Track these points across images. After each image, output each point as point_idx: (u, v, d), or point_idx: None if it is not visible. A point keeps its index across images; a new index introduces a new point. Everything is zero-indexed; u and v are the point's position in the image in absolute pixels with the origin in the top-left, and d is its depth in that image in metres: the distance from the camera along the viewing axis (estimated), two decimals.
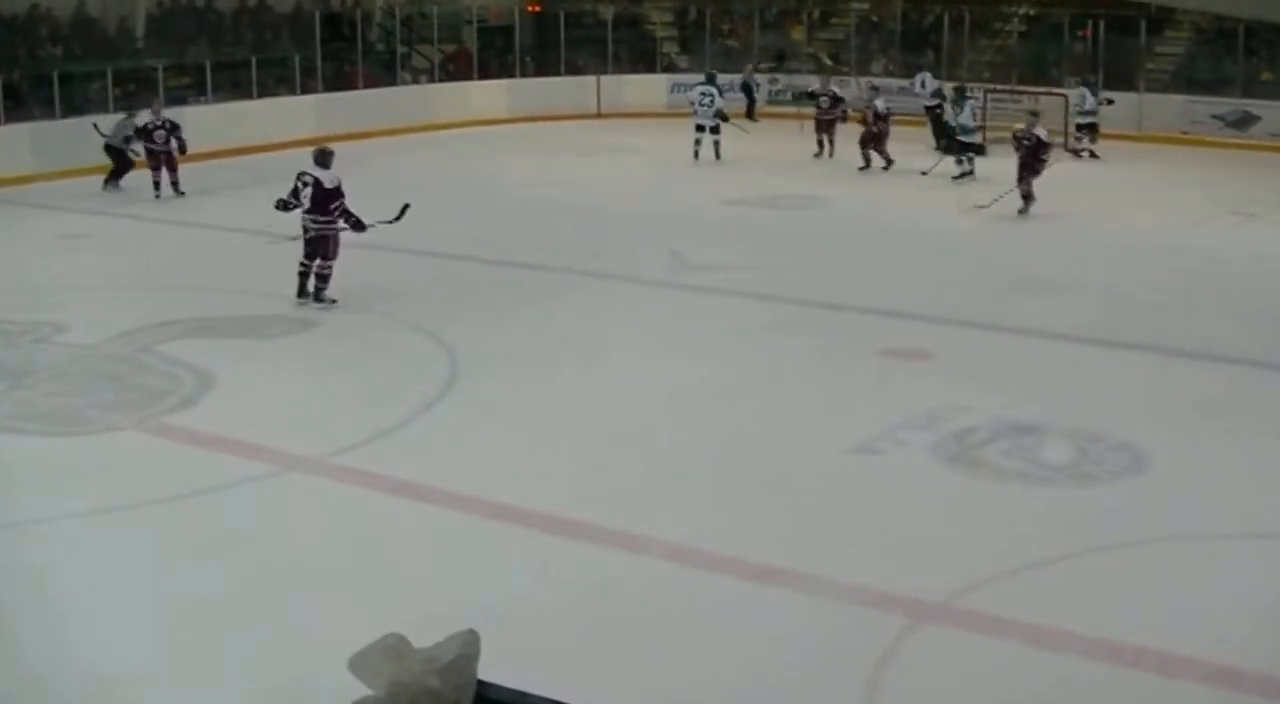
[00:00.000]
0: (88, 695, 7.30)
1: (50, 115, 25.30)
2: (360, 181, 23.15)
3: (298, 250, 14.93)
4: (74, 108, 25.42)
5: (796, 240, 18.20)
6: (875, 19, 33.82)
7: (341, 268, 14.74)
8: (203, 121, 24.82)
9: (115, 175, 22.40)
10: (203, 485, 10.05)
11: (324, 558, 9.04)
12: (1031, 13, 31.67)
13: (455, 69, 32.67)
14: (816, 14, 34.50)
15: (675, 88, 32.12)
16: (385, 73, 31.69)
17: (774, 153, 26.01)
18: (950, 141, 24.26)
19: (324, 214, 14.60)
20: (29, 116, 25.04)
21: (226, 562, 8.82)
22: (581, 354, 13.40)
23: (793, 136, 27.09)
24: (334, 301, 14.64)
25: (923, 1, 32.49)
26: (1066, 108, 26.03)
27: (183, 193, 21.68)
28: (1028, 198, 19.74)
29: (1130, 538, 9.06)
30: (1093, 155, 25.68)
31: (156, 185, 21.78)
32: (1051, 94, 26.77)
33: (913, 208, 20.44)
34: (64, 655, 7.66)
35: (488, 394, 12.03)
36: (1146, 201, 21.32)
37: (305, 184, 14.75)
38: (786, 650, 7.70)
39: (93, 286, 16.29)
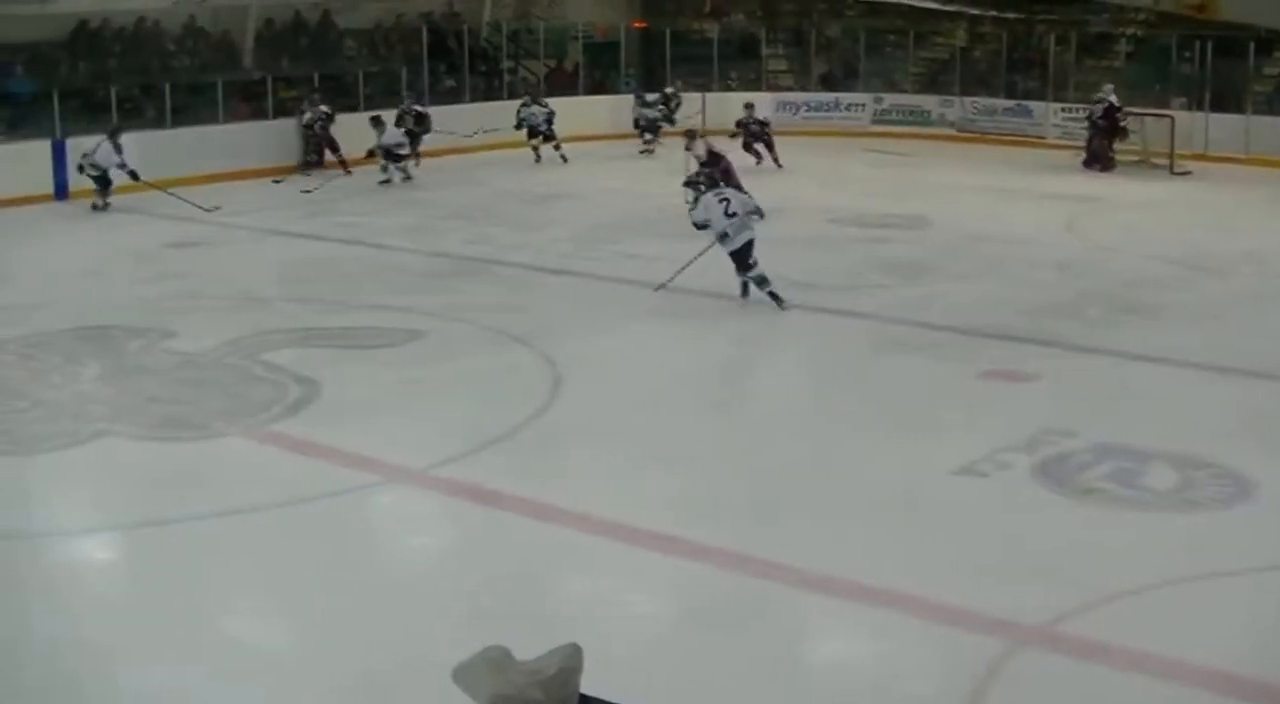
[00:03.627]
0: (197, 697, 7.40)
1: (161, 125, 25.73)
2: (470, 194, 23.57)
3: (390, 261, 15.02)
4: (184, 118, 25.83)
5: (899, 259, 18.13)
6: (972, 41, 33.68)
7: (448, 281, 14.84)
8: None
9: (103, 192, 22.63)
10: (307, 494, 10.14)
11: (425, 569, 9.13)
12: (1139, 34, 31.39)
13: (559, 85, 32.80)
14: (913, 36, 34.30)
15: (781, 106, 32.12)
16: (491, 87, 31.85)
17: (873, 173, 25.99)
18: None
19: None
20: (140, 126, 25.45)
21: (328, 570, 8.90)
22: (684, 371, 13.43)
23: (892, 157, 27.08)
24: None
25: (1031, 23, 32.26)
26: (1173, 130, 25.81)
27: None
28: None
29: (1237, 566, 8.92)
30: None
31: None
32: (1159, 116, 26.57)
33: (1018, 228, 20.28)
34: (171, 655, 7.76)
35: (591, 409, 12.06)
36: (1252, 225, 21.04)
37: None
38: (886, 672, 7.68)
39: (201, 294, 16.53)
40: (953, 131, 30.87)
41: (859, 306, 15.48)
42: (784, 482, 10.37)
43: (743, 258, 15.10)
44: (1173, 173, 25.12)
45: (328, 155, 26.34)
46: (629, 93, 31.96)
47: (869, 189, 24.09)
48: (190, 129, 25.54)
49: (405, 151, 25.20)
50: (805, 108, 32.81)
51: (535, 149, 27.77)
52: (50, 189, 23.50)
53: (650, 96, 30.60)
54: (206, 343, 14.02)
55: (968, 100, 31.06)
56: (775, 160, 26.31)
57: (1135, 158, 26.23)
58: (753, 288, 15.22)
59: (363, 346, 14.02)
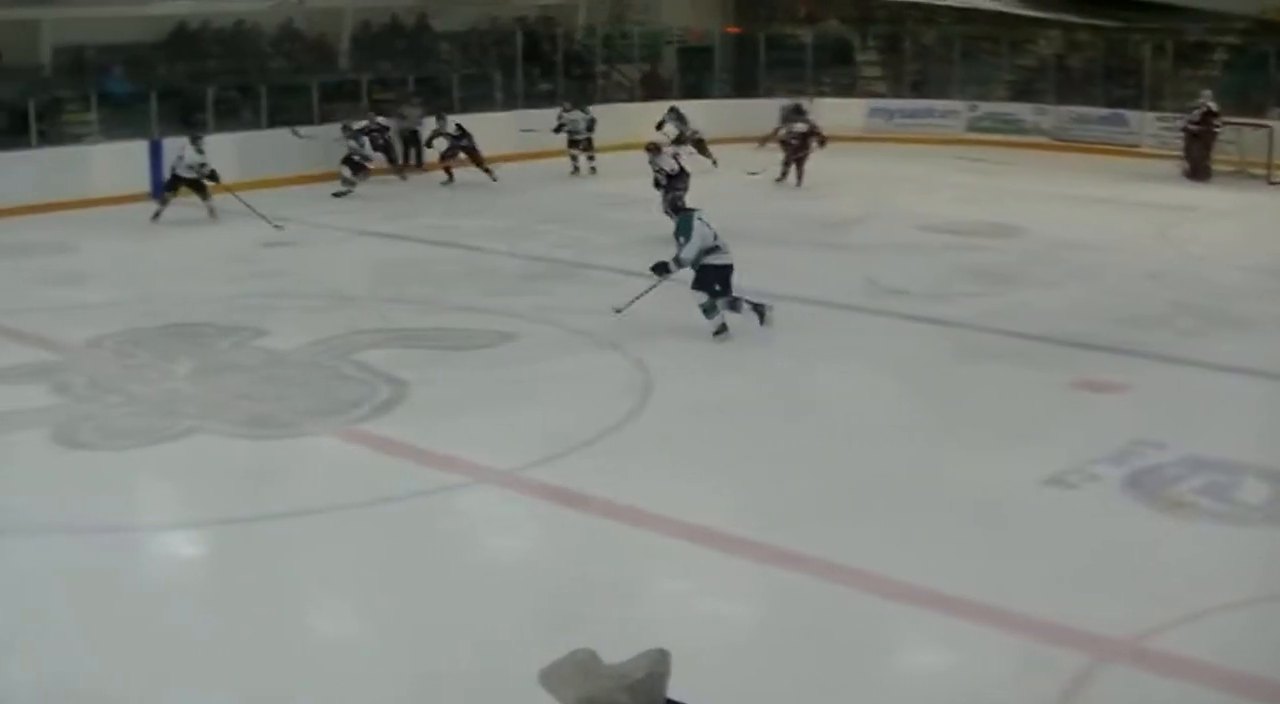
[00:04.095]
0: (281, 690, 7.47)
1: (257, 125, 25.99)
2: (562, 197, 23.65)
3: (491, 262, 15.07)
4: (280, 119, 26.07)
5: (990, 267, 18.00)
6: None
7: (539, 283, 14.86)
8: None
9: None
10: (394, 493, 10.20)
11: (510, 570, 9.16)
12: (1236, 43, 31.02)
13: (652, 89, 32.83)
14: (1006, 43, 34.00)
15: (873, 112, 32.00)
16: (585, 91, 31.91)
17: (965, 180, 25.84)
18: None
19: None
20: (236, 126, 25.74)
21: (413, 570, 8.95)
22: (773, 376, 13.40)
23: (984, 165, 26.91)
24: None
25: (1128, 31, 31.94)
26: (1270, 139, 25.50)
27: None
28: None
29: None
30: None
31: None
32: (1256, 125, 26.26)
33: (1110, 237, 20.07)
34: (255, 649, 7.84)
35: (679, 413, 12.04)
36: None
37: None
38: (969, 684, 7.61)
39: (292, 293, 16.70)
40: (1047, 140, 30.58)
41: (948, 314, 15.38)
42: (870, 489, 10.31)
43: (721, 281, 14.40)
44: (1270, 183, 24.80)
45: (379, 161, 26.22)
46: (720, 96, 31.92)
47: (961, 196, 23.92)
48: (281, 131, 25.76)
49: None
50: (899, 115, 32.62)
51: (574, 158, 27.34)
52: (147, 188, 23.75)
53: (790, 106, 28.39)
54: (297, 342, 14.17)
55: (1062, 108, 30.79)
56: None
57: (1231, 168, 25.92)
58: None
59: (453, 347, 14.08)
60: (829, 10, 36.57)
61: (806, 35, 34.89)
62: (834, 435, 11.63)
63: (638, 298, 14.66)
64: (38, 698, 7.55)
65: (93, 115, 25.79)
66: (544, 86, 31.64)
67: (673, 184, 19.51)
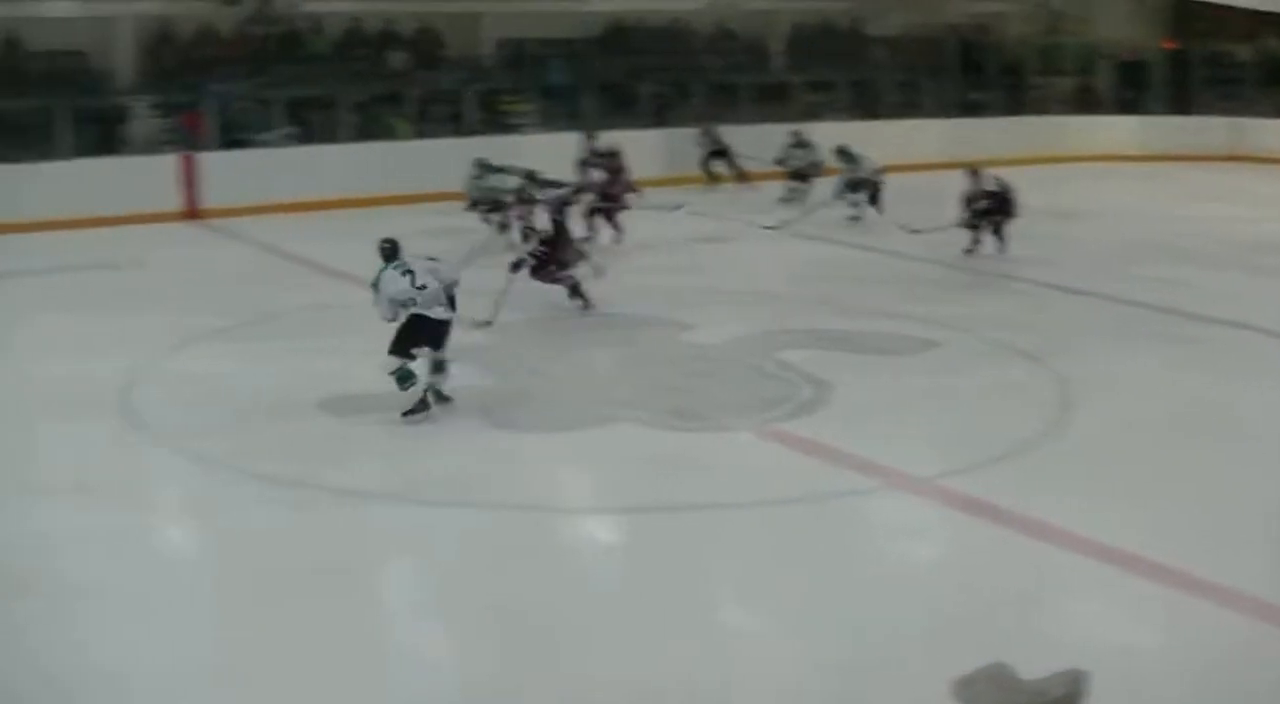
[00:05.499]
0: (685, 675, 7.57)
1: (688, 123, 26.44)
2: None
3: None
4: (710, 118, 26.43)
5: None
6: None
7: (961, 293, 14.68)
8: (836, 138, 25.29)
9: None
10: (807, 493, 10.17)
11: (916, 577, 8.98)
12: None
13: (1085, 103, 32.17)
14: None
15: None
16: (1016, 103, 31.48)
17: None
18: None
19: None
20: (668, 123, 26.25)
21: (821, 568, 8.87)
22: (1196, 399, 12.87)
23: None
24: None
25: None
26: None
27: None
28: None
29: None
30: None
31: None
32: None
33: None
34: (659, 635, 7.92)
35: (1100, 431, 11.65)
36: None
37: None
38: None
39: (719, 289, 16.89)
40: None
41: None
42: None
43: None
44: None
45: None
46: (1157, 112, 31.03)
47: None
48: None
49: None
50: None
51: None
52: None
53: None
54: (721, 337, 14.31)
55: None
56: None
57: None
58: None
59: (874, 352, 13.98)
60: (1270, 28, 35.13)
61: (1245, 52, 33.63)
62: (1265, 465, 11.15)
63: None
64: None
65: (531, 106, 26.68)
66: (974, 96, 31.34)
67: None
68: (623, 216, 19.93)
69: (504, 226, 18.27)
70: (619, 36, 29.41)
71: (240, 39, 26.86)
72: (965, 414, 12.15)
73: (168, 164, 23.05)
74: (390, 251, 11.95)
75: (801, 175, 23.77)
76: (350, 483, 10.41)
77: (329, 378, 13.03)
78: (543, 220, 15.72)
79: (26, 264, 18.25)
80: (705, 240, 20.08)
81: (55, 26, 25.11)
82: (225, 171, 23.05)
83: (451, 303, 11.95)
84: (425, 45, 28.15)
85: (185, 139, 24.50)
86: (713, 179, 25.56)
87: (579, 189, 18.79)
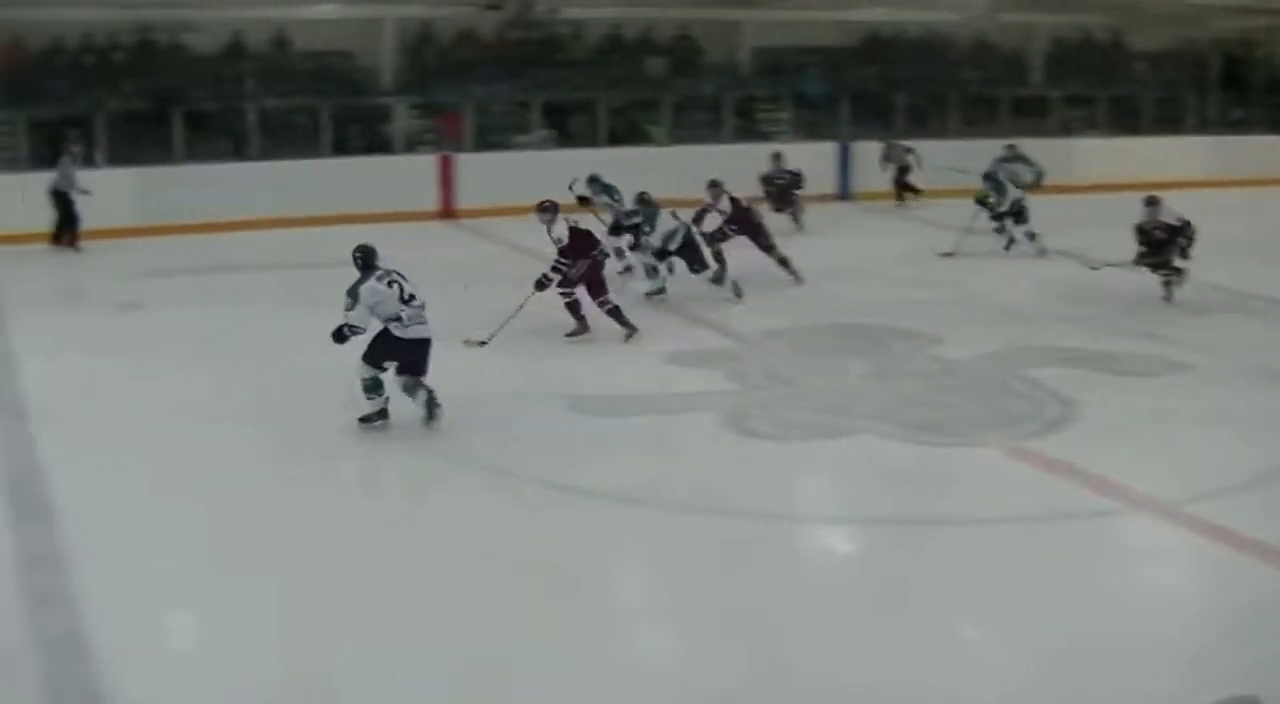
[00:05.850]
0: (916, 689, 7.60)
1: (945, 135, 26.36)
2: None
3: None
4: (971, 130, 26.28)
5: None
6: None
7: (1214, 316, 14.37)
8: (1091, 155, 25.06)
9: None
10: (1049, 512, 10.10)
11: (1154, 603, 8.86)
12: None
13: None
14: None
15: None
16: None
17: None
18: None
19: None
20: (925, 134, 26.19)
21: (1057, 588, 8.77)
22: None
23: None
24: None
25: None
26: None
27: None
28: None
29: None
30: None
31: None
32: None
33: None
34: (896, 648, 7.96)
35: None
36: None
37: None
38: None
39: (966, 303, 16.84)
40: None
41: None
42: None
43: None
44: None
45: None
46: None
47: None
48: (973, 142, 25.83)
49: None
50: None
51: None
52: (834, 189, 24.50)
53: None
54: (969, 352, 14.26)
55: None
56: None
57: None
58: None
59: (1122, 373, 13.77)
60: None
61: None
62: None
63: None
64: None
65: (785, 114, 26.82)
66: (1237, 113, 30.65)
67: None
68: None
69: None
70: (876, 47, 29.40)
71: (500, 43, 27.43)
72: (1214, 438, 11.90)
73: (426, 164, 23.61)
74: (365, 261, 11.66)
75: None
76: (594, 483, 10.59)
77: (581, 378, 13.34)
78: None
79: (297, 258, 18.94)
80: (953, 255, 19.98)
81: (323, 28, 25.93)
82: (481, 173, 23.55)
83: None
84: (683, 52, 28.43)
85: (443, 140, 25.10)
86: (902, 198, 25.13)
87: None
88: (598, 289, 14.97)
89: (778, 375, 13.58)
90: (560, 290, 14.92)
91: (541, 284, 14.60)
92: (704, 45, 28.59)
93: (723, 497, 10.36)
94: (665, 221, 16.56)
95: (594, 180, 18.62)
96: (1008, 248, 20.37)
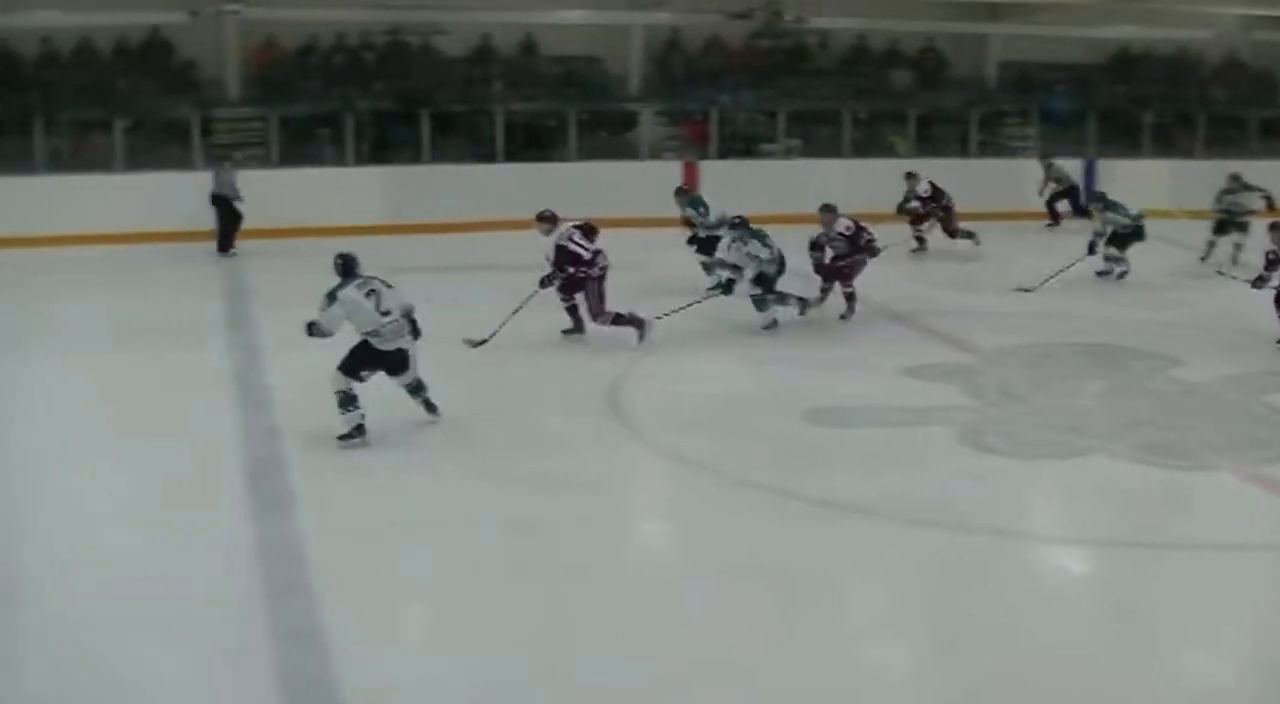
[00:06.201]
0: None
1: (1192, 154, 25.97)
2: None
3: None
4: (1218, 151, 25.83)
5: None
6: None
7: None
8: None
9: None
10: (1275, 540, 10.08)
11: None
12: None
13: None
14: None
15: None
16: None
17: None
18: None
19: None
20: (1172, 153, 25.86)
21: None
22: None
23: None
24: None
25: None
26: None
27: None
28: None
29: None
30: None
31: None
32: None
33: None
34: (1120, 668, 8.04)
35: None
36: None
37: None
38: None
39: (1208, 326, 16.68)
40: None
41: None
42: None
43: None
44: None
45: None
46: None
47: None
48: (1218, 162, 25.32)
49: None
50: None
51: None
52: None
53: None
54: (1209, 375, 14.15)
55: None
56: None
57: None
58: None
59: None
60: None
61: None
62: None
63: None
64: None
65: (1031, 130, 26.67)
66: None
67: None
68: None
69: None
70: (1125, 64, 29.04)
71: (747, 51, 27.65)
72: None
73: (671, 170, 23.90)
74: (346, 267, 11.62)
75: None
76: (826, 493, 10.75)
77: (816, 389, 13.55)
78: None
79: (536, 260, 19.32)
80: (1197, 276, 19.79)
81: (570, 33, 26.37)
82: (725, 180, 23.70)
83: (414, 327, 11.82)
84: (929, 65, 28.42)
85: (689, 146, 25.39)
86: (1055, 218, 24.38)
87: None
88: (594, 307, 15.28)
89: (1013, 392, 13.62)
90: (560, 296, 15.39)
91: (544, 283, 15.16)
92: (950, 58, 28.54)
93: (952, 511, 10.44)
94: (757, 248, 15.93)
95: (681, 192, 19.02)
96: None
